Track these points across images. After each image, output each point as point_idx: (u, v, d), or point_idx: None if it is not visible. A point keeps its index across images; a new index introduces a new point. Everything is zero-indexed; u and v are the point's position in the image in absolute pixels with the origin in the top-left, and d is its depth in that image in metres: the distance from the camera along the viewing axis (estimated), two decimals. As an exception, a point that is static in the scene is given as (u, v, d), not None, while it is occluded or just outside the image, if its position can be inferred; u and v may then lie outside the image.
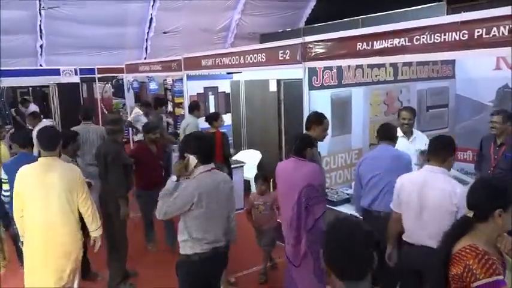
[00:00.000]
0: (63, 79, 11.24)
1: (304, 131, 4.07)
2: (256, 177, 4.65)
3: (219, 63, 5.59)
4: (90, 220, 3.44)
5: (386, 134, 3.76)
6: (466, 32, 2.85)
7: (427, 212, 2.87)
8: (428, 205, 2.86)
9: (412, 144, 4.50)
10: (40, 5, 11.64)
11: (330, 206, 3.88)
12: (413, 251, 2.97)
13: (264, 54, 4.69)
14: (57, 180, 3.24)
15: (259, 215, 4.43)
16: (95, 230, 3.50)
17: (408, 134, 4.48)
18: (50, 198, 3.23)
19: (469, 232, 1.93)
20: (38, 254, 3.31)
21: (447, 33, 2.97)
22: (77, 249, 3.41)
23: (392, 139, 3.77)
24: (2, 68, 10.51)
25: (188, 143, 3.00)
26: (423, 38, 3.10)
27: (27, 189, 3.26)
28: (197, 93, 7.77)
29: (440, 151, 2.93)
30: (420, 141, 4.58)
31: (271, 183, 4.58)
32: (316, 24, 13.04)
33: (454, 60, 5.84)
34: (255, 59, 4.81)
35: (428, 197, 2.86)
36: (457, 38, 2.91)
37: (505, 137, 4.32)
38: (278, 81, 7.13)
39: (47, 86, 12.97)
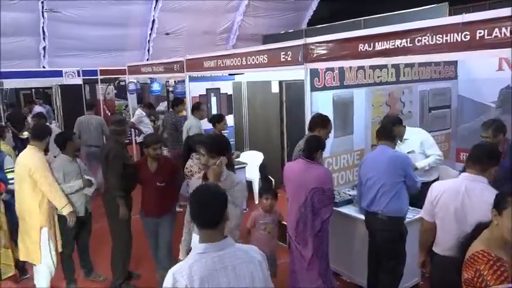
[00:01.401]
0: (66, 81, 11.28)
1: (307, 132, 4.08)
2: (262, 191, 4.03)
3: (221, 65, 5.60)
4: (52, 199, 3.97)
5: (384, 134, 3.76)
6: (468, 33, 2.85)
7: (470, 225, 2.57)
8: (471, 218, 2.62)
9: (404, 145, 4.48)
10: (43, 7, 11.69)
11: (332, 207, 3.87)
12: (448, 263, 2.75)
13: (266, 55, 4.70)
14: (26, 163, 3.94)
15: (266, 236, 3.85)
16: (62, 208, 4.00)
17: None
18: (22, 178, 3.96)
19: (481, 235, 1.95)
20: (20, 226, 4.06)
21: (449, 34, 2.96)
22: (43, 222, 3.96)
23: (392, 139, 3.76)
24: (5, 70, 10.56)
25: (222, 145, 2.99)
26: (425, 39, 3.10)
27: (16, 171, 4.08)
28: (199, 95, 7.78)
29: (483, 160, 2.73)
30: (413, 141, 4.52)
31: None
32: (318, 26, 13.06)
33: (457, 61, 5.84)
34: (257, 61, 4.81)
35: (471, 209, 2.64)
36: (459, 39, 2.91)
37: (501, 147, 4.12)
38: (280, 83, 7.14)
39: (50, 88, 13.04)
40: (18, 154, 4.45)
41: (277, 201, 4.08)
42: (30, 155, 3.99)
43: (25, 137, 7.01)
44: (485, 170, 2.72)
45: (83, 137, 7.31)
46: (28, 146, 4.11)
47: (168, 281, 1.75)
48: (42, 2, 11.60)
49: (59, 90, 11.71)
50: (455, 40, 2.93)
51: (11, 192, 4.26)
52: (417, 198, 3.72)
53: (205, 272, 1.73)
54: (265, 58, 4.71)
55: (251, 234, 3.88)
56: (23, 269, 4.55)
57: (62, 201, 3.98)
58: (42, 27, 12.23)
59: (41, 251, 3.99)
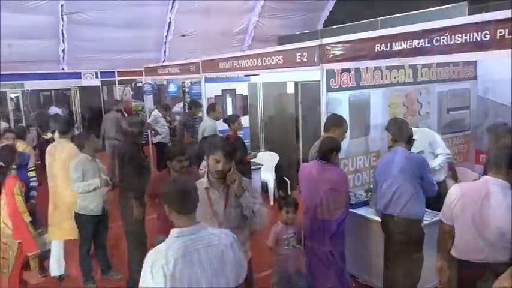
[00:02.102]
0: (84, 82, 11.47)
1: (322, 133, 4.06)
2: (283, 203, 3.68)
3: (237, 66, 5.61)
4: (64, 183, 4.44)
5: (401, 136, 3.69)
6: (488, 32, 2.79)
7: (489, 229, 2.61)
8: (491, 222, 2.59)
9: (412, 147, 4.39)
10: (62, 10, 11.91)
11: (347, 209, 3.84)
12: (466, 267, 2.75)
13: (281, 56, 4.69)
14: (58, 155, 4.55)
15: (292, 251, 3.61)
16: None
17: None
18: (54, 167, 4.59)
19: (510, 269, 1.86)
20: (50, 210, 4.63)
21: (468, 34, 2.91)
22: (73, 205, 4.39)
23: (408, 141, 3.69)
24: (26, 72, 10.84)
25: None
26: (443, 39, 3.05)
27: (49, 162, 4.67)
28: (215, 96, 7.82)
29: (505, 163, 2.64)
30: (421, 141, 4.36)
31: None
32: (334, 26, 12.96)
33: (476, 61, 5.73)
34: (273, 61, 4.81)
35: (490, 213, 2.60)
36: (479, 39, 2.85)
37: None
38: (296, 83, 7.11)
39: (69, 89, 13.30)
40: (40, 154, 4.79)
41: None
42: (65, 146, 4.61)
43: (48, 137, 7.24)
44: (507, 173, 2.65)
45: (105, 132, 8.69)
46: (57, 139, 4.82)
47: (147, 261, 1.93)
48: (62, 5, 11.81)
49: (78, 92, 11.92)
50: (474, 40, 2.88)
51: (35, 189, 4.76)
52: (432, 200, 3.67)
53: (179, 253, 1.91)
54: (280, 59, 4.70)
55: (274, 251, 3.61)
56: (42, 265, 4.64)
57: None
58: (62, 29, 12.46)
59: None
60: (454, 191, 2.84)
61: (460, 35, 2.95)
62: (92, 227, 4.38)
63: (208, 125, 6.25)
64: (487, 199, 2.63)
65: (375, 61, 3.67)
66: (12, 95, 13.30)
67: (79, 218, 4.31)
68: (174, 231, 2.01)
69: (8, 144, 4.49)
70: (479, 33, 2.84)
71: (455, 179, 4.77)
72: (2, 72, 10.08)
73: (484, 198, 2.64)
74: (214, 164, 2.69)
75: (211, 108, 6.50)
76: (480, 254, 2.66)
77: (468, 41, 2.91)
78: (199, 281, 1.92)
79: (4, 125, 8.77)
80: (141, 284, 1.92)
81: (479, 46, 2.86)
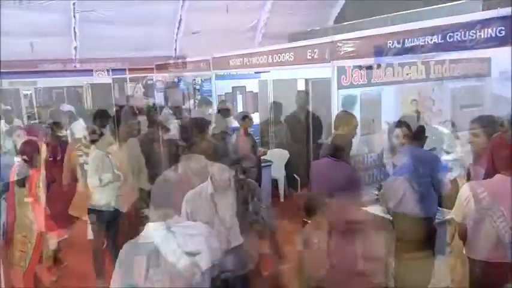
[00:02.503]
0: (96, 79, 11.57)
1: (333, 131, 4.04)
2: (311, 204, 3.33)
3: (247, 63, 5.62)
4: None
5: (414, 134, 3.66)
6: (503, 28, 2.75)
7: (503, 228, 2.59)
8: (502, 221, 2.59)
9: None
10: (74, 8, 12.03)
11: (358, 207, 3.81)
12: (479, 267, 2.74)
13: (292, 53, 4.68)
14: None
15: (320, 254, 3.37)
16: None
17: None
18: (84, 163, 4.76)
19: None
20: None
21: (482, 30, 2.87)
22: None
23: (420, 139, 3.66)
24: (38, 70, 10.98)
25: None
26: (457, 35, 3.02)
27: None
28: (225, 93, 7.82)
29: None
30: (433, 139, 4.31)
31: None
32: (345, 23, 12.88)
33: (490, 57, 5.64)
34: (283, 58, 4.80)
35: (502, 212, 2.59)
36: (493, 35, 2.81)
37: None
38: (306, 81, 7.08)
39: (81, 86, 13.44)
40: (52, 150, 4.83)
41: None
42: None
43: (63, 135, 7.36)
44: None
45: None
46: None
47: (121, 254, 2.02)
48: (74, 3, 11.94)
49: (90, 89, 12.04)
50: (489, 36, 2.84)
51: None
52: (443, 198, 3.63)
53: (154, 246, 1.96)
54: (291, 56, 4.69)
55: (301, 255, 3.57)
56: (57, 258, 4.70)
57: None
58: (74, 27, 12.59)
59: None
60: (465, 190, 2.82)
61: (474, 31, 2.91)
62: (105, 223, 4.42)
63: (217, 123, 6.26)
64: (499, 198, 2.60)
65: (387, 57, 3.64)
66: (26, 92, 13.47)
67: (92, 213, 4.37)
68: (149, 225, 2.06)
69: (31, 138, 4.56)
70: (494, 29, 2.80)
71: (468, 178, 4.72)
72: (15, 70, 10.22)
73: (496, 197, 2.61)
74: (219, 172, 2.69)
75: (222, 105, 6.50)
76: (493, 254, 2.64)
77: (482, 37, 2.87)
78: (173, 273, 1.95)
79: (17, 121, 8.88)
80: (115, 275, 1.96)
81: (494, 42, 2.82)
